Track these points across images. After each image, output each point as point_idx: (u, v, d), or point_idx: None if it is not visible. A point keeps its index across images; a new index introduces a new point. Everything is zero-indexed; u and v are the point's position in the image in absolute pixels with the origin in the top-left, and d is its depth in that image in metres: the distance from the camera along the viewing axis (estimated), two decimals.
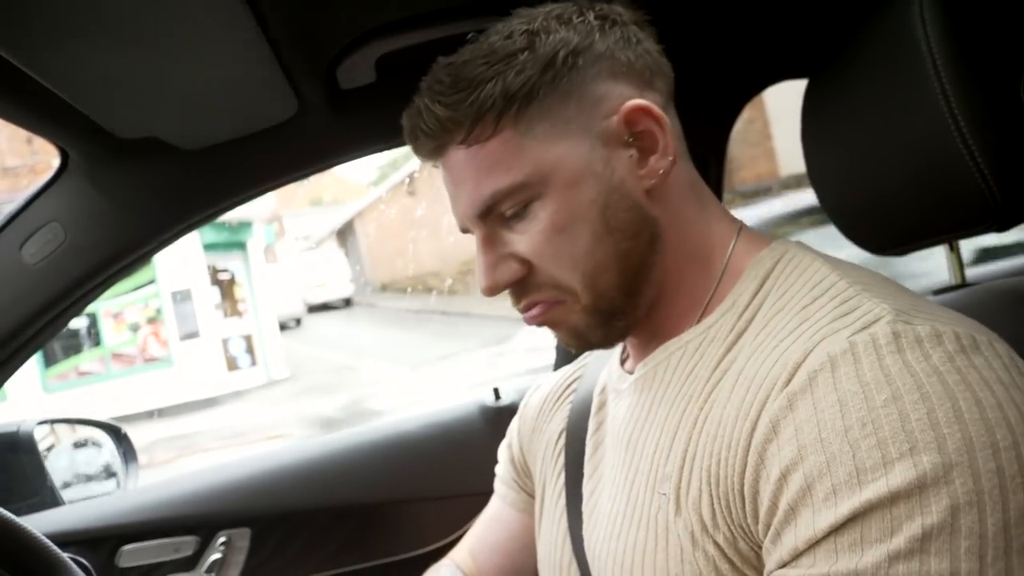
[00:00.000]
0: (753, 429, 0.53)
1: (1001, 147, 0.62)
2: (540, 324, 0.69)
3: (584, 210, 0.63)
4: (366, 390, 8.92)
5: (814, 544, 0.48)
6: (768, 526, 0.52)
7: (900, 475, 0.45)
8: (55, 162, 0.97)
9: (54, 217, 0.98)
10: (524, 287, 0.67)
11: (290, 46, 0.80)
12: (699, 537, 0.57)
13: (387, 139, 1.04)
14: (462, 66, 0.64)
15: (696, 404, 0.61)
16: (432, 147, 0.67)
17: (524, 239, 0.65)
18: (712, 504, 0.56)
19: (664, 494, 0.60)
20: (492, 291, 0.67)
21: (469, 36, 0.67)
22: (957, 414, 0.46)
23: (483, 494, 0.99)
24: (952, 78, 0.63)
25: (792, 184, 9.32)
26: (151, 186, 0.99)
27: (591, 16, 0.65)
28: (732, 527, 0.55)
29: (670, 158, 0.65)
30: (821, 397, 0.50)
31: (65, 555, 0.83)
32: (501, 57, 0.63)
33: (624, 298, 0.66)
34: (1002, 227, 0.67)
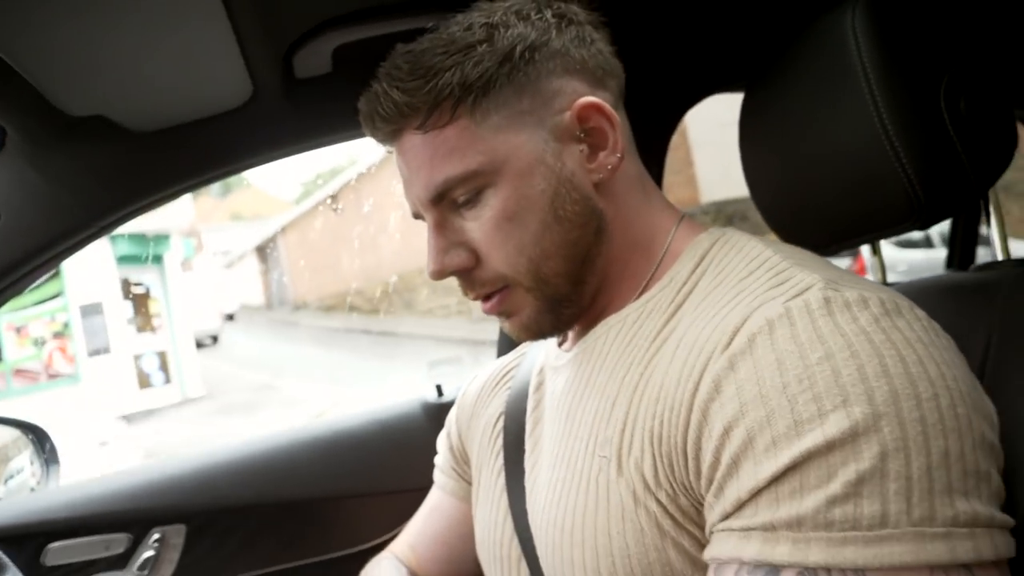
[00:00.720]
0: (696, 389, 0.56)
1: (924, 150, 0.67)
2: (496, 313, 0.72)
3: (534, 199, 0.66)
4: (287, 409, 8.69)
5: (756, 494, 0.51)
6: (711, 481, 0.54)
7: (835, 425, 0.49)
8: None
9: None
10: (471, 280, 0.70)
11: (249, 30, 0.80)
12: (641, 495, 0.59)
13: (340, 130, 1.04)
14: (421, 54, 0.66)
15: (636, 370, 0.64)
16: (388, 131, 0.69)
17: (475, 226, 0.68)
18: (654, 463, 0.59)
19: (604, 456, 0.62)
20: (439, 275, 0.70)
21: (429, 27, 0.69)
22: (884, 369, 0.51)
23: (424, 489, 0.99)
24: (880, 83, 0.67)
25: (711, 211, 9.63)
26: (96, 168, 0.97)
27: (548, 14, 0.68)
28: (674, 484, 0.58)
29: (618, 155, 0.68)
30: (760, 357, 0.53)
31: None
32: (460, 48, 0.65)
33: (570, 286, 0.69)
34: (924, 224, 0.72)
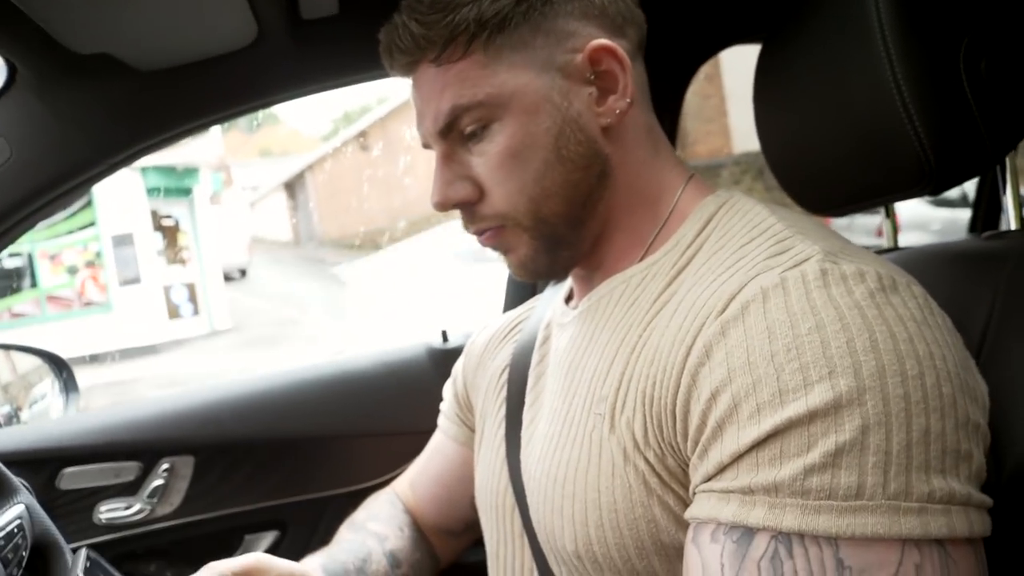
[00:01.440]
0: (688, 353, 0.57)
1: (938, 114, 0.65)
2: (492, 247, 0.73)
3: (538, 137, 0.67)
4: (310, 344, 8.86)
5: (737, 458, 0.52)
6: (696, 443, 0.55)
7: (819, 395, 0.50)
8: None
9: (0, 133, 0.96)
10: (472, 213, 0.71)
11: None
12: (631, 453, 0.60)
13: (347, 73, 1.04)
14: None
15: (635, 332, 0.64)
16: (405, 62, 0.70)
17: (480, 161, 0.68)
18: (645, 423, 0.60)
19: (599, 414, 0.64)
20: (442, 206, 0.71)
21: None
22: (873, 344, 0.51)
23: (426, 432, 1.02)
24: (898, 44, 0.66)
25: (743, 162, 9.47)
26: (103, 106, 0.97)
27: None
28: (662, 444, 0.59)
29: (628, 100, 0.68)
30: (752, 325, 0.54)
31: (7, 471, 0.83)
32: None
33: (568, 227, 0.70)
34: (935, 190, 0.71)
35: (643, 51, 0.73)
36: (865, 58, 0.68)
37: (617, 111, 0.68)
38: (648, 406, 0.60)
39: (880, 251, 1.00)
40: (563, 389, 0.72)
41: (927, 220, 6.75)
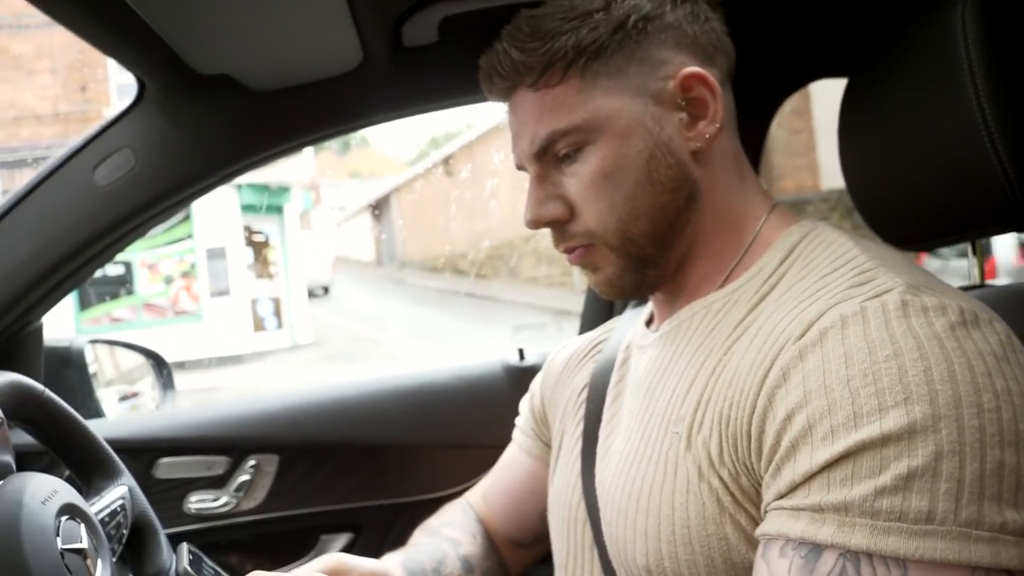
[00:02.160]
0: (765, 376, 0.58)
1: None
2: (580, 265, 0.76)
3: (630, 159, 0.69)
4: (387, 362, 9.02)
5: (809, 477, 0.53)
6: (770, 462, 0.57)
7: (893, 420, 0.50)
8: (105, 111, 1.04)
9: (127, 144, 1.05)
10: (563, 231, 0.74)
11: (361, 0, 0.86)
12: (705, 471, 0.62)
13: (445, 97, 1.09)
14: (542, 18, 0.71)
15: (715, 356, 0.66)
16: (504, 87, 0.74)
17: (573, 181, 0.71)
18: (720, 443, 0.61)
19: (676, 432, 0.65)
20: (535, 224, 0.74)
21: (529, 1, 0.73)
22: (951, 375, 0.51)
23: (500, 447, 1.03)
24: (986, 80, 0.66)
25: (831, 199, 9.22)
26: (220, 122, 1.05)
27: None
28: (736, 464, 0.60)
29: (717, 125, 0.70)
30: (829, 350, 0.55)
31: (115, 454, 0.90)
32: (578, 14, 0.69)
33: (655, 248, 0.72)
34: (1022, 227, 0.70)
35: (732, 79, 0.75)
36: (952, 93, 0.68)
37: (707, 136, 0.70)
38: (724, 426, 0.61)
39: (966, 287, 0.98)
40: (641, 408, 0.73)
41: None
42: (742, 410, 0.60)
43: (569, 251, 0.75)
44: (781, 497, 0.55)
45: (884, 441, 0.50)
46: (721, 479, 0.61)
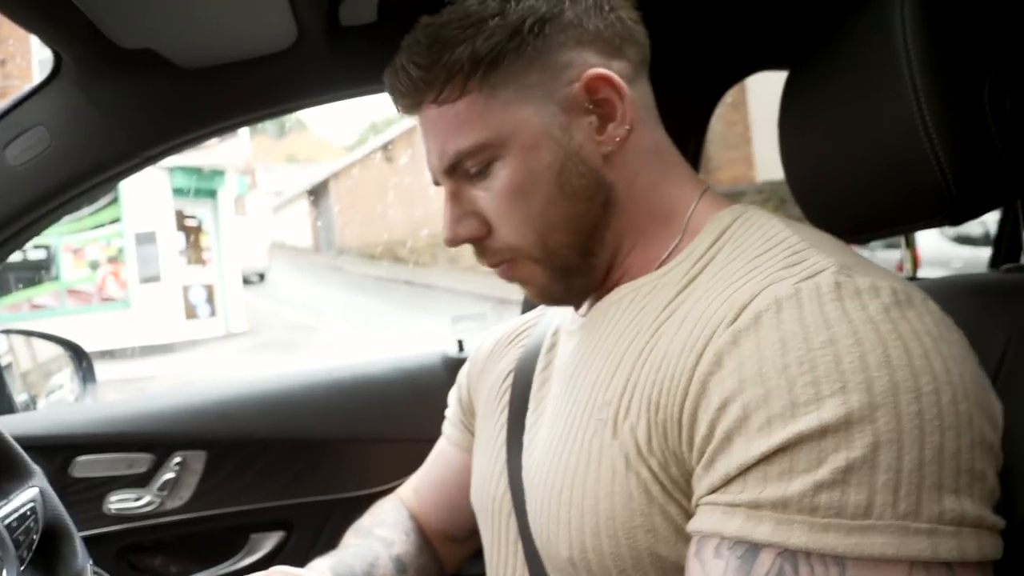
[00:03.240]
0: (697, 361, 0.56)
1: (961, 145, 0.66)
2: (508, 279, 0.74)
3: (540, 173, 0.67)
4: (324, 351, 8.90)
5: (745, 471, 0.51)
6: (702, 453, 0.55)
7: (830, 411, 0.49)
8: (26, 86, 0.98)
9: (41, 121, 0.98)
10: (482, 248, 0.72)
11: None
12: (633, 460, 0.60)
13: (381, 82, 1.05)
14: (440, 28, 0.68)
15: (642, 338, 0.64)
16: (408, 103, 0.72)
17: (485, 196, 0.70)
18: (649, 430, 0.59)
19: (601, 419, 0.63)
20: (453, 243, 0.73)
21: None
22: (887, 359, 0.50)
23: (436, 440, 1.02)
24: (924, 75, 0.66)
25: (766, 190, 9.44)
26: (143, 100, 1.00)
27: None
28: (666, 452, 0.58)
29: (627, 127, 0.68)
30: (764, 335, 0.53)
31: (25, 454, 0.84)
32: (474, 22, 0.67)
33: (578, 257, 0.71)
34: (956, 220, 0.71)
35: (647, 67, 0.73)
36: (891, 87, 0.68)
37: (617, 139, 0.68)
38: (653, 412, 0.59)
39: None
40: (566, 394, 0.71)
41: (949, 257, 6.70)
42: (672, 396, 0.58)
43: (493, 266, 0.73)
44: (715, 491, 0.53)
45: (822, 433, 0.49)
46: (650, 468, 0.59)
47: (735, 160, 9.97)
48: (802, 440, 0.50)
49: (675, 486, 0.58)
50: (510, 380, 0.85)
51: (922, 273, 1.05)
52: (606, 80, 0.67)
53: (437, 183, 0.74)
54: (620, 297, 0.70)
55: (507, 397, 0.84)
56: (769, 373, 0.52)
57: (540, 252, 0.70)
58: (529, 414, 0.79)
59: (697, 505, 0.55)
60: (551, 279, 0.71)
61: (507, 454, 0.79)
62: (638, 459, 0.60)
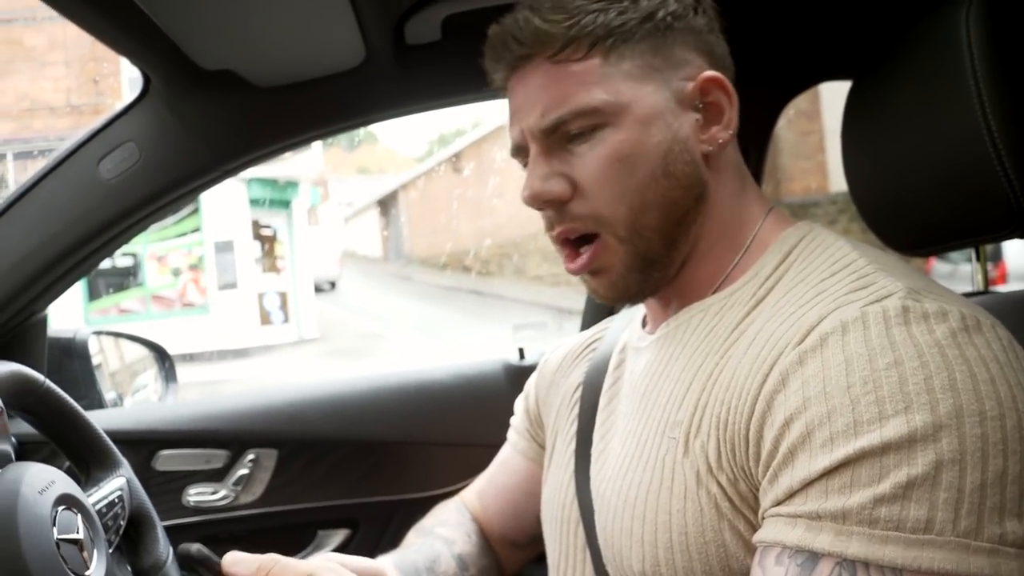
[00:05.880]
0: (764, 381, 0.58)
1: None
2: (584, 269, 0.72)
3: (649, 148, 0.68)
4: (391, 359, 9.03)
5: (807, 485, 0.53)
6: (767, 468, 0.56)
7: (893, 429, 0.50)
8: (118, 104, 1.05)
9: (131, 137, 1.06)
10: (563, 212, 0.70)
11: None
12: (703, 477, 0.61)
13: (448, 95, 1.09)
14: None
15: (712, 359, 0.65)
16: (519, 55, 0.70)
17: (583, 161, 0.69)
18: (719, 447, 0.61)
19: (673, 438, 0.65)
20: (535, 199, 0.70)
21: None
22: (952, 383, 0.51)
23: (498, 446, 1.03)
24: (989, 85, 0.66)
25: (840, 201, 9.18)
26: (223, 117, 1.06)
27: None
28: (735, 469, 0.60)
29: (730, 131, 0.70)
30: (830, 356, 0.54)
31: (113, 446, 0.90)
32: None
33: (662, 245, 0.70)
34: None
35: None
36: (956, 97, 0.68)
37: (720, 140, 0.70)
38: (722, 431, 0.61)
39: (968, 294, 0.98)
40: (637, 412, 0.73)
41: None
42: (740, 414, 0.59)
43: (568, 238, 0.71)
44: (778, 504, 0.55)
45: (884, 449, 0.50)
46: (719, 484, 0.61)
47: (808, 170, 9.72)
48: (864, 456, 0.51)
49: (743, 502, 0.60)
50: (579, 394, 0.86)
51: (1012, 287, 1.02)
52: (720, 84, 0.69)
53: (518, 153, 0.74)
54: (689, 317, 0.71)
55: (576, 411, 0.85)
56: (833, 392, 0.53)
57: (626, 230, 0.69)
58: (597, 429, 0.80)
59: (763, 518, 0.57)
60: (631, 268, 0.70)
61: (576, 466, 0.81)
62: (708, 476, 0.61)
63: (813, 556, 0.51)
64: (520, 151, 0.73)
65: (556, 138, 0.69)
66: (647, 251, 0.70)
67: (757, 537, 0.56)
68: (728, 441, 0.60)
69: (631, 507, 0.67)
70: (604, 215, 0.69)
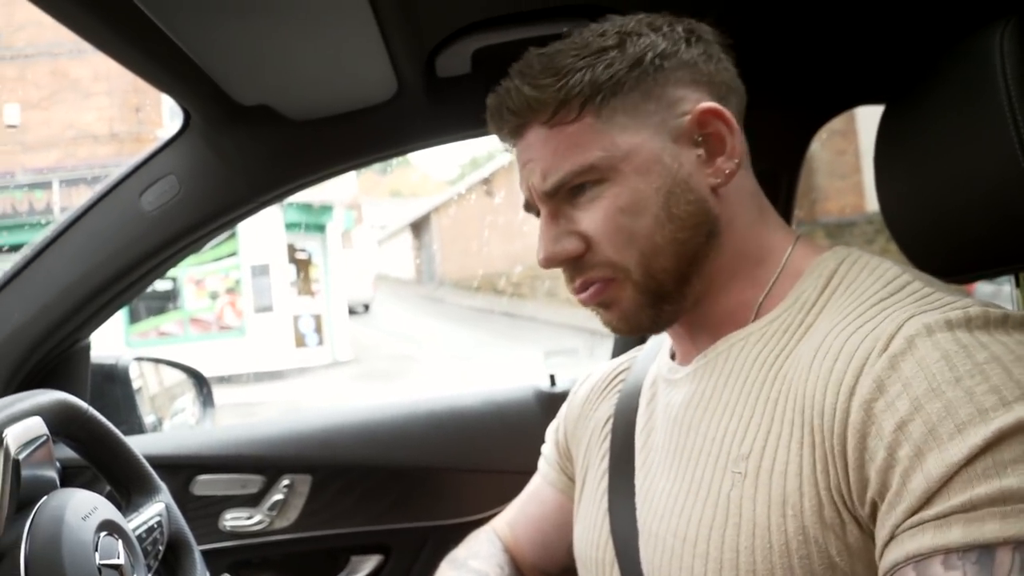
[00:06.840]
0: (851, 393, 0.56)
1: None
2: (595, 304, 0.73)
3: (648, 196, 0.68)
4: (424, 380, 9.06)
5: (947, 480, 0.51)
6: (885, 482, 0.54)
7: (1022, 410, 0.50)
8: (159, 132, 1.09)
9: (172, 171, 1.09)
10: (580, 265, 0.72)
11: (396, 32, 0.88)
12: (782, 509, 0.59)
13: (476, 127, 1.11)
14: (554, 55, 0.70)
15: (768, 387, 0.64)
16: (515, 124, 0.73)
17: (588, 216, 0.70)
18: (800, 474, 0.59)
19: (739, 472, 0.63)
20: (550, 262, 0.72)
21: (563, 32, 0.73)
22: None
23: (529, 473, 1.03)
24: None
25: (877, 220, 9.04)
26: (260, 150, 1.09)
27: (680, 28, 0.71)
28: (820, 492, 0.58)
29: (736, 160, 0.70)
30: (924, 355, 0.54)
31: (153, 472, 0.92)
32: (593, 51, 0.69)
33: (675, 284, 0.71)
34: None
35: (743, 119, 0.74)
36: (991, 122, 0.67)
37: (726, 171, 0.70)
38: (807, 455, 0.59)
39: None
40: (683, 447, 0.71)
41: None
42: (828, 433, 0.57)
43: (586, 286, 0.72)
44: (918, 511, 0.52)
45: (1019, 428, 0.50)
46: (802, 511, 0.58)
47: (844, 190, 9.60)
48: (1003, 436, 0.50)
49: (826, 528, 0.58)
50: (609, 427, 0.86)
51: None
52: (717, 114, 0.69)
53: (530, 208, 0.75)
54: (729, 347, 0.71)
55: (607, 444, 0.84)
56: (943, 387, 0.53)
57: (640, 273, 0.69)
58: (638, 468, 0.78)
59: (892, 538, 0.53)
60: (642, 304, 0.71)
61: (608, 503, 0.79)
62: (787, 505, 0.59)
63: (987, 549, 0.49)
64: (531, 207, 0.75)
65: (560, 197, 0.71)
66: (659, 289, 0.71)
67: (896, 556, 0.53)
68: (817, 462, 0.58)
69: (691, 545, 0.65)
70: (618, 262, 0.70)
